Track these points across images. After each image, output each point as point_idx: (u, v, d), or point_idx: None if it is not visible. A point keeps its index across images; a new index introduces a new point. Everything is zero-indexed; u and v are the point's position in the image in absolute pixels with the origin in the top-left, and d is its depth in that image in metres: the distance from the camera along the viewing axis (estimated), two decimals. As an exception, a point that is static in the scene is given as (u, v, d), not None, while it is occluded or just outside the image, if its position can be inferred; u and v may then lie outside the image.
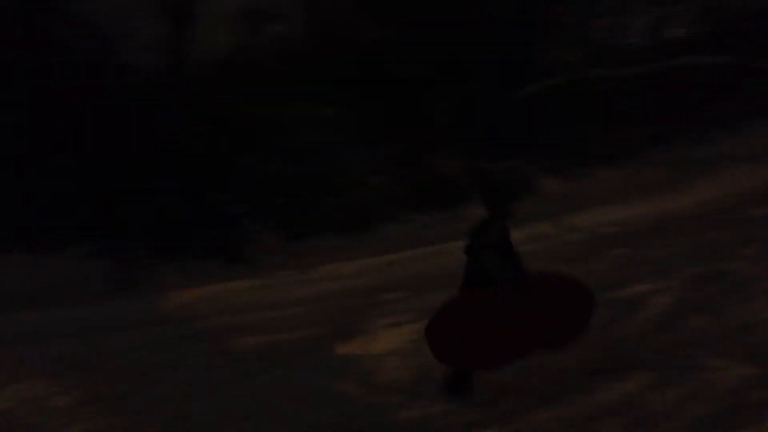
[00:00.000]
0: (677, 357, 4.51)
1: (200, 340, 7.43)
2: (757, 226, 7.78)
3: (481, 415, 4.53)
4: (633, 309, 5.71)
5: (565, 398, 4.28)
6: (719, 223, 8.37)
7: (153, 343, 7.32)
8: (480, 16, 14.29)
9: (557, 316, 4.52)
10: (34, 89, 11.30)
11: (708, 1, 15.20)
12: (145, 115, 11.64)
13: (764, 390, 3.73)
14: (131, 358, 6.81)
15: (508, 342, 4.48)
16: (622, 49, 16.02)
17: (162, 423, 5.01)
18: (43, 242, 10.57)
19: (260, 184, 11.90)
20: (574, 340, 4.57)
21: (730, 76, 13.80)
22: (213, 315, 8.67)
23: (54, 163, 11.00)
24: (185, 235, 11.01)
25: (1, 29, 11.86)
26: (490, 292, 4.52)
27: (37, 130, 11.12)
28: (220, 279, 10.27)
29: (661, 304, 5.62)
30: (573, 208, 10.48)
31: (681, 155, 11.77)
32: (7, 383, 6.04)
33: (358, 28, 14.75)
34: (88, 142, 11.04)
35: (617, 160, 12.57)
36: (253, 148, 12.37)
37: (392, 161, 12.53)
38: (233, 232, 11.50)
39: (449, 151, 12.82)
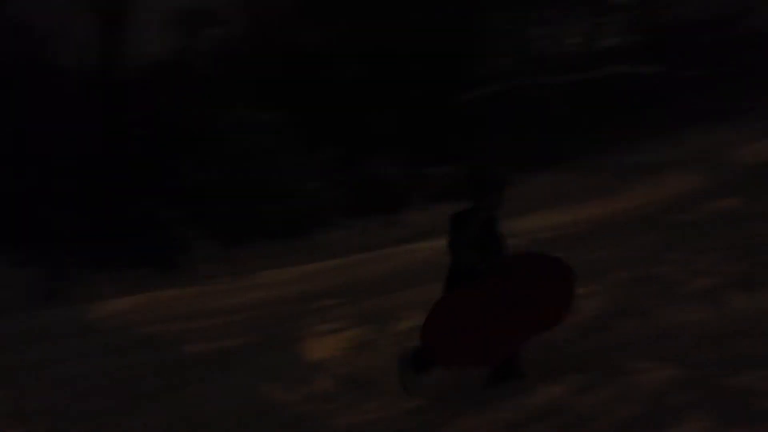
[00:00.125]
0: (605, 360, 4.57)
1: (130, 351, 7.24)
2: (684, 231, 7.99)
3: (411, 422, 4.52)
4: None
5: (494, 403, 4.28)
6: (648, 228, 8.58)
7: (80, 355, 7.10)
8: (420, 23, 14.38)
9: (544, 297, 4.52)
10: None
11: (640, 12, 15.62)
12: (74, 117, 11.31)
13: (686, 391, 3.80)
14: (57, 371, 6.58)
15: (505, 334, 4.48)
16: (560, 57, 16.35)
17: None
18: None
19: (196, 189, 11.72)
20: (563, 318, 4.59)
21: (661, 85, 14.20)
22: (145, 324, 8.47)
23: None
24: (117, 242, 10.74)
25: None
26: (476, 287, 4.50)
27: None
28: (153, 287, 10.07)
29: (590, 308, 5.70)
30: (510, 214, 10.54)
31: (615, 162, 12.05)
32: None
33: (299, 31, 14.66)
34: (13, 144, 10.67)
35: (554, 166, 12.78)
36: (188, 153, 12.16)
37: (331, 166, 12.50)
38: (167, 238, 11.28)
39: (388, 157, 12.84)
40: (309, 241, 11.48)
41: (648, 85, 14.35)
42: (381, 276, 9.60)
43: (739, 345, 4.40)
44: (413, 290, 8.40)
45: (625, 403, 3.86)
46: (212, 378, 5.99)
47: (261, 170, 12.05)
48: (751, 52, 14.39)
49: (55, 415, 5.38)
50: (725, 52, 14.30)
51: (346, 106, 13.09)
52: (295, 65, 13.86)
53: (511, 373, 4.69)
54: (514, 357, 4.67)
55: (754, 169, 10.36)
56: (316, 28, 14.55)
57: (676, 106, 13.50)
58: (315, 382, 5.49)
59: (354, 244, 11.01)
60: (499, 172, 4.77)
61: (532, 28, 16.61)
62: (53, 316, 9.04)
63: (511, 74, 15.29)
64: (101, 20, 13.36)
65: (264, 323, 7.79)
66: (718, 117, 12.89)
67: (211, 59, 14.64)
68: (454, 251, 4.59)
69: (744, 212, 8.17)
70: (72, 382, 6.16)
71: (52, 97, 11.60)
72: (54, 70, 12.18)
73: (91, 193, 10.93)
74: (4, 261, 10.26)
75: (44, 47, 12.27)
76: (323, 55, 14.01)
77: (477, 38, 15.57)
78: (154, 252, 10.87)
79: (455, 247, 4.55)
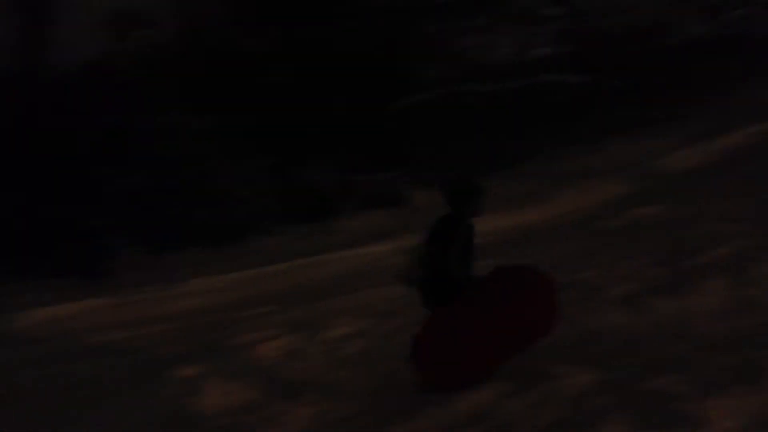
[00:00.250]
0: (531, 365, 4.61)
1: (51, 363, 6.97)
2: (608, 237, 8.18)
3: (340, 430, 4.48)
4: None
5: (420, 412, 4.28)
6: (574, 234, 8.76)
7: (-2, 367, 6.80)
8: (355, 30, 14.38)
9: (531, 311, 4.52)
10: None
11: (568, 23, 15.98)
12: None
13: (606, 395, 3.87)
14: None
15: (496, 348, 4.46)
16: (493, 65, 16.58)
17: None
18: None
19: (124, 195, 11.40)
20: (553, 328, 4.59)
21: (589, 94, 14.56)
22: (67, 335, 8.20)
23: None
24: (39, 250, 10.35)
25: None
26: (461, 307, 4.48)
27: None
28: (77, 297, 9.74)
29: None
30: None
31: (545, 169, 12.28)
32: None
33: (232, 36, 14.48)
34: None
35: (486, 174, 12.90)
36: (116, 158, 11.84)
37: (264, 172, 12.35)
38: (93, 246, 10.94)
39: (322, 163, 12.78)
40: (241, 248, 11.33)
41: (576, 94, 14.69)
42: (314, 283, 9.54)
43: (660, 349, 4.51)
44: (346, 297, 8.38)
45: (547, 408, 3.91)
46: (136, 389, 5.81)
47: (192, 176, 11.83)
48: (673, 63, 14.90)
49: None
50: (649, 63, 14.77)
51: (280, 111, 12.97)
52: (229, 70, 13.67)
53: None
54: None
55: (676, 176, 10.72)
56: (250, 33, 14.39)
57: (603, 115, 13.86)
58: (243, 392, 5.38)
59: (287, 251, 10.90)
60: (477, 179, 4.77)
61: (466, 36, 16.80)
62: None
63: (445, 81, 15.44)
64: (24, 20, 12.92)
65: (193, 332, 7.62)
66: (642, 126, 13.29)
67: (142, 62, 14.31)
68: (440, 262, 4.51)
69: (666, 218, 8.42)
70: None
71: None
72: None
73: (13, 201, 10.52)
74: None
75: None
76: (257, 60, 13.86)
77: (411, 45, 15.66)
78: (80, 260, 10.53)
79: (444, 258, 4.48)
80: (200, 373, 5.80)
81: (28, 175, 10.72)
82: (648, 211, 8.94)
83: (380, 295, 8.14)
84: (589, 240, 8.08)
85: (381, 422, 4.34)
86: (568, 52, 16.29)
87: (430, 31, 16.27)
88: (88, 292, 9.96)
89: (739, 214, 7.40)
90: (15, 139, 10.81)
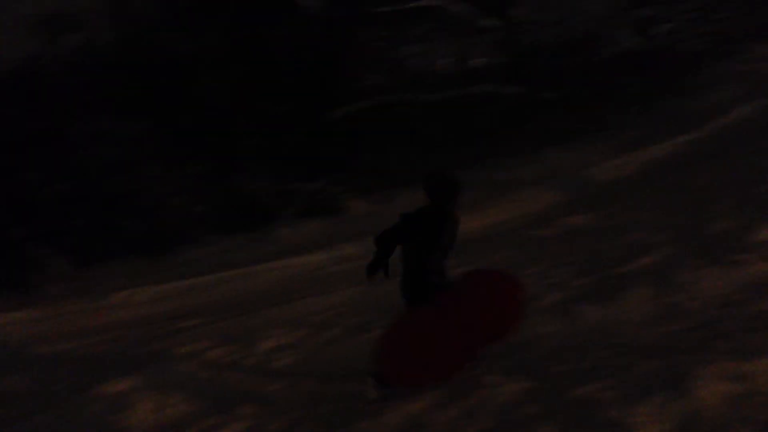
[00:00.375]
0: (461, 375, 4.61)
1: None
2: (542, 246, 8.30)
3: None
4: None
5: (353, 423, 4.24)
6: (509, 243, 8.85)
7: None
8: (291, 40, 14.28)
9: (495, 311, 4.54)
10: None
11: (504, 35, 16.23)
12: None
13: (536, 404, 3.89)
14: None
15: (459, 351, 4.49)
16: (430, 75, 16.71)
17: None
18: None
19: (48, 204, 11.00)
20: (513, 330, 4.62)
21: (523, 105, 14.79)
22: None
23: None
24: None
25: None
26: (430, 308, 4.53)
27: None
28: (3, 309, 9.34)
29: (451, 323, 5.77)
30: (378, 229, 10.63)
31: (479, 178, 12.39)
32: None
33: (167, 41, 14.19)
34: None
35: (421, 183, 12.95)
36: (43, 165, 11.43)
37: (196, 181, 12.11)
38: (19, 257, 10.52)
39: (257, 172, 12.62)
40: (172, 258, 11.06)
41: (511, 104, 14.91)
42: (248, 294, 9.39)
43: (588, 356, 4.56)
44: (280, 308, 8.27)
45: (478, 417, 3.91)
46: (64, 405, 5.60)
47: (122, 184, 11.50)
48: (605, 75, 15.29)
49: None
50: (582, 75, 15.12)
51: (214, 119, 12.76)
52: (162, 76, 13.39)
53: None
54: None
55: (606, 186, 10.96)
56: (186, 38, 14.14)
57: (537, 125, 14.10)
58: (176, 406, 5.24)
59: (221, 261, 10.71)
60: (456, 174, 4.81)
61: (404, 46, 16.89)
62: None
63: (384, 90, 15.48)
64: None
65: (124, 345, 7.40)
66: (575, 136, 13.58)
67: (73, 66, 13.89)
68: (423, 257, 4.57)
69: (596, 227, 8.59)
70: None
71: None
72: None
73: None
74: None
75: None
76: (193, 65, 13.62)
77: (350, 54, 15.65)
78: (6, 272, 10.13)
79: (428, 254, 4.54)
80: (131, 388, 5.62)
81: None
82: (579, 220, 9.11)
83: (316, 305, 8.08)
84: (523, 249, 8.18)
85: (312, 435, 4.28)
86: (504, 63, 16.54)
87: (369, 40, 16.30)
88: (14, 304, 9.60)
89: (665, 222, 7.61)
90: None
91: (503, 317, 4.60)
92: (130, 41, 14.26)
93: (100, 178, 11.39)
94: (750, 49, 15.47)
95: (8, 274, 10.06)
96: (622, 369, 4.07)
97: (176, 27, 14.34)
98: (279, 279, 9.74)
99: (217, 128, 12.84)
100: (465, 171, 13.10)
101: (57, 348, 7.77)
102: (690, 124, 12.41)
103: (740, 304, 4.86)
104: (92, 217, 11.03)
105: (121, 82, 13.01)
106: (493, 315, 4.55)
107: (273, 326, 7.27)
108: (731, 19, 16.55)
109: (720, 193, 8.25)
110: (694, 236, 6.59)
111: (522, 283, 4.74)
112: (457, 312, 4.50)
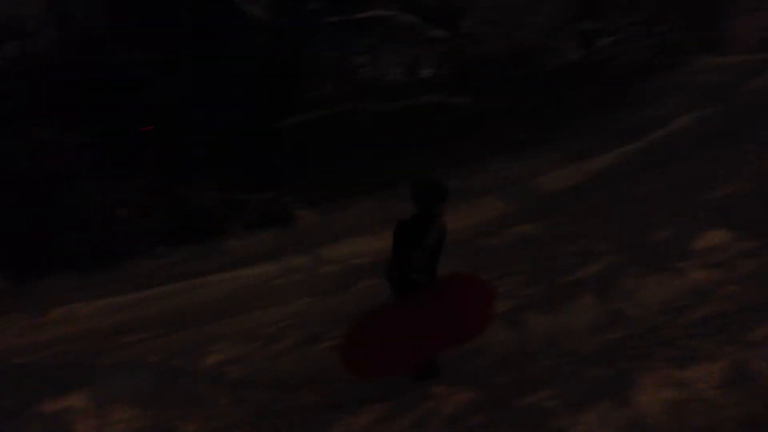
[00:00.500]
0: (409, 387, 4.62)
1: None
2: (491, 255, 8.38)
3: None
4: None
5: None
6: (457, 252, 8.90)
7: None
8: (239, 49, 14.17)
9: (462, 314, 4.54)
10: None
11: (453, 45, 16.38)
12: None
13: (483, 413, 3.92)
14: None
15: (417, 344, 4.52)
16: (381, 85, 16.75)
17: None
18: None
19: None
20: (477, 335, 4.63)
21: (471, 115, 14.93)
22: None
23: None
24: None
25: None
26: (408, 299, 4.58)
27: None
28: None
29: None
30: (328, 240, 10.63)
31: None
32: None
33: (111, 50, 13.92)
34: None
35: (372, 193, 12.98)
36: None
37: (143, 192, 11.88)
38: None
39: (206, 182, 12.45)
40: (120, 271, 10.82)
41: (460, 114, 15.04)
42: (196, 306, 9.24)
43: (534, 365, 4.62)
44: (229, 321, 8.16)
45: (426, 429, 3.92)
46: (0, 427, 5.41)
47: (65, 196, 11.21)
48: (551, 86, 15.55)
49: None
50: (529, 86, 15.35)
51: (161, 128, 12.56)
52: (107, 85, 13.13)
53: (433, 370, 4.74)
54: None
55: (553, 195, 11.12)
56: (131, 48, 13.90)
57: (485, 135, 14.24)
58: (119, 424, 5.12)
59: (169, 274, 10.51)
60: (443, 180, 4.89)
61: (354, 56, 16.91)
62: None
63: (334, 100, 15.46)
64: None
65: (64, 362, 7.19)
66: (522, 146, 13.76)
67: (12, 75, 13.52)
68: (407, 261, 4.60)
69: (544, 236, 8.71)
70: None
71: None
72: None
73: None
74: None
75: None
76: (139, 74, 13.40)
77: (299, 63, 15.60)
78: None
79: (410, 257, 4.58)
80: (71, 407, 5.46)
81: None
82: (527, 230, 9.22)
83: (266, 317, 8.00)
84: (472, 258, 8.23)
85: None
86: (453, 73, 16.70)
87: (320, 49, 16.28)
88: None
89: (609, 231, 7.76)
90: None
91: (473, 321, 4.61)
92: (73, 50, 13.97)
93: (42, 189, 11.07)
94: (690, 61, 15.93)
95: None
96: (567, 377, 4.13)
97: (121, 35, 14.09)
98: (228, 291, 9.61)
99: (165, 138, 12.64)
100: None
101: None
102: (633, 134, 12.69)
103: (681, 311, 4.98)
104: (34, 230, 10.72)
105: (64, 91, 12.71)
106: (463, 318, 4.57)
107: (222, 339, 7.17)
108: (672, 32, 17.03)
109: (662, 201, 8.45)
110: (637, 244, 6.73)
111: (495, 292, 4.76)
112: (428, 310, 4.54)
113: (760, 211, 6.71)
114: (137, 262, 11.04)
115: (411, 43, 16.81)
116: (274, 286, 9.37)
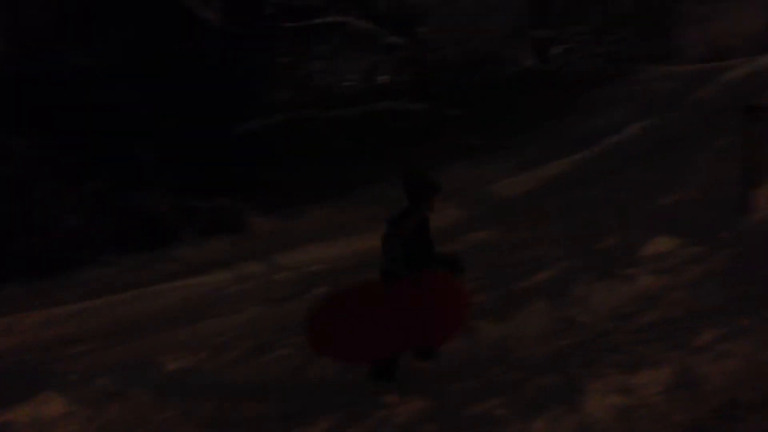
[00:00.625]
0: (363, 396, 4.58)
1: None
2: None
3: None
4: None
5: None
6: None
7: None
8: (191, 53, 13.99)
9: (434, 313, 4.52)
10: None
11: (411, 52, 16.45)
12: None
13: (432, 423, 3.91)
14: None
15: (383, 336, 4.52)
16: (337, 91, 16.73)
17: None
18: None
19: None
20: (447, 339, 4.65)
21: (429, 122, 15.00)
22: None
23: None
24: None
25: None
26: (379, 283, 4.58)
27: None
28: None
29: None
30: (283, 247, 10.52)
31: (384, 194, 12.44)
32: None
33: (61, 55, 13.62)
34: None
35: (328, 199, 12.93)
36: None
37: (92, 199, 11.60)
38: None
39: (158, 189, 12.23)
40: (66, 280, 10.53)
41: (417, 121, 15.09)
42: (147, 315, 9.02)
43: (485, 373, 4.62)
44: (179, 330, 7.99)
45: (376, 439, 3.90)
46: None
47: (10, 202, 10.89)
48: (507, 93, 15.72)
49: None
50: (484, 93, 15.49)
51: (111, 134, 12.30)
52: (56, 89, 12.83)
53: (388, 372, 4.74)
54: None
55: (507, 202, 11.21)
56: (81, 52, 13.61)
57: (441, 141, 14.30)
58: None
59: (119, 282, 10.25)
60: (435, 176, 4.89)
61: (311, 62, 16.86)
62: None
63: (290, 106, 15.37)
64: None
65: (5, 376, 6.95)
66: (478, 153, 13.84)
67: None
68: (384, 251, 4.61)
69: (498, 243, 8.76)
70: None
71: None
72: None
73: None
74: None
75: None
76: (87, 79, 13.12)
77: (255, 69, 15.48)
78: None
79: (386, 247, 4.59)
80: (12, 421, 5.28)
81: None
82: (481, 236, 9.27)
83: (218, 326, 7.87)
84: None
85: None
86: (410, 80, 16.77)
87: (275, 55, 16.19)
88: None
89: (561, 238, 7.84)
90: None
91: (443, 322, 4.60)
92: (21, 53, 13.65)
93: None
94: (641, 71, 16.24)
95: None
96: (517, 385, 4.14)
97: (71, 39, 13.81)
98: (180, 299, 9.42)
99: (115, 144, 12.39)
100: (369, 187, 13.23)
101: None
102: (586, 142, 12.86)
103: (630, 317, 5.05)
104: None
105: (11, 95, 12.39)
106: (434, 317, 4.55)
107: (172, 349, 7.03)
108: (623, 41, 17.36)
109: (613, 208, 8.58)
110: (588, 251, 6.81)
111: (469, 298, 4.75)
112: (399, 302, 4.52)
113: (707, 217, 6.85)
114: (86, 270, 10.76)
115: (368, 50, 16.84)
116: (227, 294, 9.24)
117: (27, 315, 9.00)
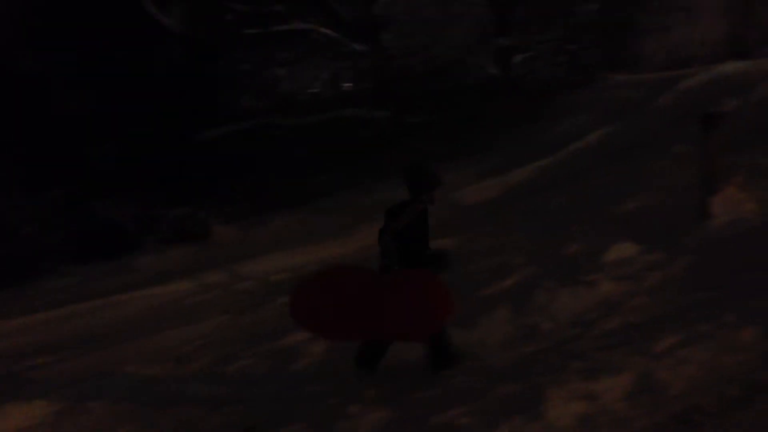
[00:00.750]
0: (326, 406, 4.55)
1: None
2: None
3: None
4: (290, 359, 5.73)
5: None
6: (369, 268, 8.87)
7: None
8: (154, 60, 13.84)
9: (415, 310, 4.54)
10: None
11: (373, 60, 16.47)
12: None
13: (397, 432, 3.88)
14: None
15: (360, 320, 4.57)
16: (301, 98, 16.68)
17: None
18: None
19: None
20: (422, 338, 4.68)
21: (392, 129, 15.02)
22: None
23: None
24: None
25: None
26: (371, 271, 4.68)
27: None
28: None
29: (310, 352, 5.72)
30: (245, 256, 10.43)
31: (346, 203, 12.43)
32: None
33: (19, 59, 13.35)
34: None
35: (291, 207, 12.85)
36: None
37: (52, 207, 11.39)
38: None
39: (117, 197, 12.04)
40: (26, 290, 10.31)
41: (380, 128, 15.10)
42: (107, 326, 8.86)
43: (452, 381, 4.61)
44: (141, 341, 7.87)
45: (340, 450, 3.86)
46: None
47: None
48: (470, 101, 15.82)
49: None
50: (447, 100, 15.56)
51: (70, 142, 12.09)
52: (13, 96, 12.57)
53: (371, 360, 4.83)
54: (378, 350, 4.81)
55: (471, 209, 11.24)
56: (39, 58, 13.35)
57: (405, 149, 14.31)
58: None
59: (78, 293, 10.06)
60: (435, 168, 4.99)
61: (274, 69, 16.80)
62: None
63: (254, 113, 15.29)
64: None
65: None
66: (441, 160, 13.85)
67: None
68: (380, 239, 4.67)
69: (462, 250, 8.75)
70: None
71: None
72: None
73: None
74: None
75: None
76: (46, 86, 12.89)
77: (217, 76, 15.37)
78: None
79: (382, 235, 4.65)
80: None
81: None
82: (445, 243, 9.23)
83: (180, 336, 7.76)
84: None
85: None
86: (374, 87, 16.79)
87: (239, 61, 16.09)
88: None
89: (524, 245, 7.87)
90: None
91: (424, 319, 4.62)
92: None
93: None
94: (603, 78, 16.47)
95: None
96: (481, 393, 4.14)
97: (29, 45, 13.55)
98: (141, 310, 9.27)
99: (75, 152, 12.18)
100: (332, 195, 13.19)
101: None
102: (548, 149, 12.98)
103: (591, 324, 5.08)
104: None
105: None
106: (417, 312, 4.57)
107: (133, 360, 6.91)
108: (585, 49, 17.61)
109: (575, 215, 8.64)
110: (551, 258, 6.85)
111: (453, 303, 4.75)
112: (385, 291, 4.56)
113: (667, 223, 6.94)
114: (46, 281, 10.55)
115: (331, 57, 16.83)
116: (189, 304, 9.12)
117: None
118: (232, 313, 8.16)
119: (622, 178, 9.88)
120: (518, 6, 17.02)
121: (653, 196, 8.29)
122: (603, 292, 5.59)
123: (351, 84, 17.79)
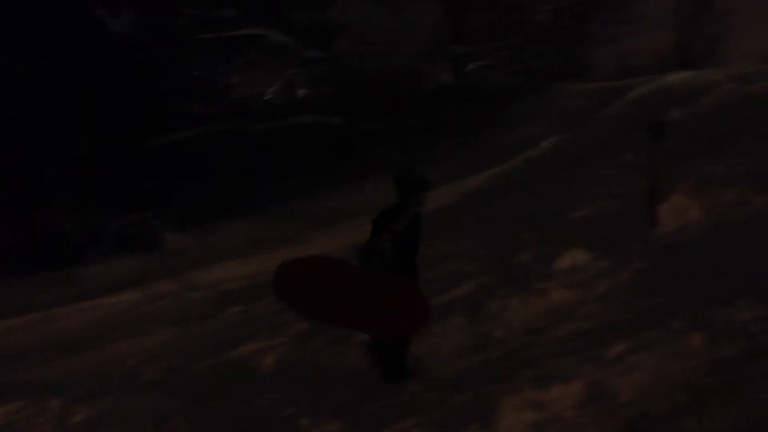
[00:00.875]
0: (276, 419, 4.46)
1: None
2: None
3: None
4: (241, 371, 5.63)
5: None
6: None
7: None
8: (105, 64, 13.54)
9: (387, 313, 4.54)
10: None
11: (328, 66, 16.41)
12: None
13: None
14: None
15: (340, 308, 4.56)
16: (255, 105, 16.53)
17: None
18: None
19: None
20: (392, 336, 4.67)
21: (346, 136, 14.98)
22: None
23: None
24: None
25: None
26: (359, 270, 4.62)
27: None
28: None
29: (267, 365, 5.62)
30: (197, 265, 10.26)
31: (299, 210, 12.33)
32: None
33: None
34: None
35: (244, 215, 12.70)
36: None
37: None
38: None
39: (65, 206, 11.73)
40: (-35, 302, 9.97)
41: (335, 135, 15.05)
42: (52, 339, 8.61)
43: (404, 391, 4.56)
44: (90, 353, 7.66)
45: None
46: None
47: None
48: (426, 108, 15.87)
49: None
50: (402, 107, 15.58)
51: (12, 148, 11.73)
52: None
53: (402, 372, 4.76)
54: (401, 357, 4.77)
55: (426, 216, 11.23)
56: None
57: (360, 156, 14.30)
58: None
59: (21, 304, 9.76)
60: (425, 172, 4.99)
61: (228, 75, 16.62)
62: None
63: (205, 119, 15.07)
64: None
65: None
66: (395, 167, 13.86)
67: None
68: (372, 246, 4.64)
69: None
70: None
71: None
72: None
73: None
74: None
75: None
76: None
77: (168, 81, 15.12)
78: None
79: (375, 243, 4.61)
80: None
81: None
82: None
83: (128, 348, 7.57)
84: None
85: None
86: (328, 93, 16.73)
87: (189, 68, 15.88)
88: None
89: (478, 252, 7.89)
90: None
91: (399, 322, 4.60)
92: None
93: None
94: (554, 87, 16.71)
95: None
96: (433, 404, 4.10)
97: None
98: (88, 321, 9.04)
99: (19, 159, 11.83)
100: (284, 202, 13.06)
101: None
102: (502, 156, 13.10)
103: (543, 331, 5.08)
104: None
105: None
106: (395, 312, 4.56)
107: (77, 375, 6.71)
108: (538, 58, 17.84)
109: (528, 222, 8.70)
110: (503, 265, 6.86)
111: (431, 313, 4.71)
112: (368, 286, 4.54)
113: (617, 231, 7.01)
114: (-14, 291, 10.22)
115: (285, 63, 16.71)
116: (138, 314, 8.91)
117: None
118: (182, 325, 8.00)
119: (573, 186, 9.99)
120: (472, 14, 17.16)
121: (603, 204, 8.38)
122: (554, 299, 5.60)
123: (305, 90, 17.69)
